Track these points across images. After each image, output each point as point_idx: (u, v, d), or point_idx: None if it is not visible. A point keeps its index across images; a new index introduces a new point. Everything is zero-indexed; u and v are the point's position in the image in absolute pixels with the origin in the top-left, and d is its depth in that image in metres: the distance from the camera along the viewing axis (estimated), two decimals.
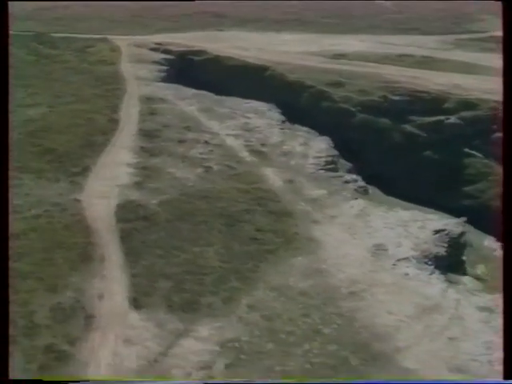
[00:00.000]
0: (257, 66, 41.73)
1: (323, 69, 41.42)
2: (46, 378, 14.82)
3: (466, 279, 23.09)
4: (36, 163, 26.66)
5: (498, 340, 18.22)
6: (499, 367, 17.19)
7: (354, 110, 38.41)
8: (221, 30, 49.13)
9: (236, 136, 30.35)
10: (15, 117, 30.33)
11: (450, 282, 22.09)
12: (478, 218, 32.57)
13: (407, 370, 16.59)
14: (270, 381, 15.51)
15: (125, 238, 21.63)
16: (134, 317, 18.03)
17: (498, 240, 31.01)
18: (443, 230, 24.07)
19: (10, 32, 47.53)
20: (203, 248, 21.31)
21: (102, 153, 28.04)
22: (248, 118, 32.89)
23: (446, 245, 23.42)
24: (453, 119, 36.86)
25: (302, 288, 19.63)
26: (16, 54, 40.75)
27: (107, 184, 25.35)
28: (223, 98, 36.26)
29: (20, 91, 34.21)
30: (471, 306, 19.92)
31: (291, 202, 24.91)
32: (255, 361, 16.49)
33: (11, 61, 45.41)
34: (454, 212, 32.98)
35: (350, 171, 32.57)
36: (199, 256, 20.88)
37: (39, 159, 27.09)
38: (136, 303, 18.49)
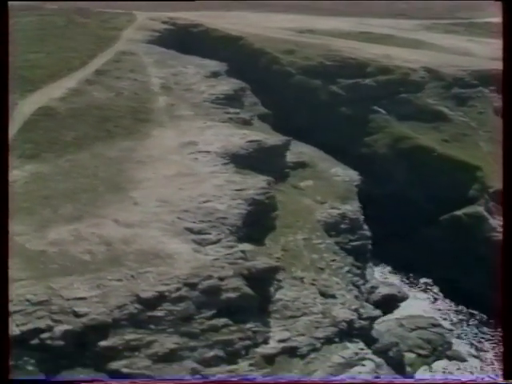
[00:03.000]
0: (235, 36, 50.70)
1: (286, 40, 49.41)
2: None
3: (261, 178, 30.01)
4: None
5: (223, 184, 26.03)
6: (203, 203, 25.13)
7: (294, 72, 46.10)
8: (228, 11, 58.64)
9: (161, 77, 39.74)
10: (18, 58, 42.35)
11: (240, 174, 29.62)
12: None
13: (130, 197, 25.12)
14: (271, 380, 16.98)
15: (28, 123, 32.20)
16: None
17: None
18: (256, 141, 31.63)
19: (56, 7, 60.08)
20: (72, 132, 31.28)
21: (58, 81, 38.98)
22: (185, 67, 42.06)
23: (251, 150, 30.95)
24: (368, 81, 43.23)
25: (113, 155, 28.84)
26: (54, 21, 53.51)
27: (44, 97, 36.06)
28: (184, 56, 45.64)
29: (36, 43, 46.37)
30: (223, 179, 27.57)
31: (158, 115, 33.97)
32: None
33: (48, 25, 58.47)
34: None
35: (262, 118, 40.35)
36: (66, 135, 30.89)
37: (10, 82, 38.57)
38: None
